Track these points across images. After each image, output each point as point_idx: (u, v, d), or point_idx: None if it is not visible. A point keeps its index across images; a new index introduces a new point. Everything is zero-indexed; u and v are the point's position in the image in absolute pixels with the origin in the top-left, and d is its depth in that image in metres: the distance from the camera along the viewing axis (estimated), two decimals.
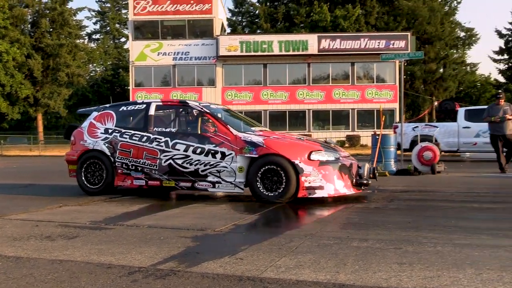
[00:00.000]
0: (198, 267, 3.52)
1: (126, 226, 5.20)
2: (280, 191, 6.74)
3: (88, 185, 7.93)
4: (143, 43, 35.37)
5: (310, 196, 6.75)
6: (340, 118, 34.56)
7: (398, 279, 3.18)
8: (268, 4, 47.49)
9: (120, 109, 8.25)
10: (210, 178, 7.19)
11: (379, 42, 33.15)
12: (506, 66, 48.80)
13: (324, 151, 6.95)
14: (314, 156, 6.80)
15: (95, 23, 64.53)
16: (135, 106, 8.17)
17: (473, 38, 47.82)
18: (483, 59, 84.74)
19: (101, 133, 8.03)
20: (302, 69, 34.66)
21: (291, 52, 33.59)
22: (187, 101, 8.09)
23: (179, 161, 7.32)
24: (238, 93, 34.46)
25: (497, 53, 49.29)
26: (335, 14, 42.16)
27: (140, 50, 35.26)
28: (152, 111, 7.83)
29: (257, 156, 6.90)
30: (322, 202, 6.92)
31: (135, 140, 7.68)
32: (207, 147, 7.17)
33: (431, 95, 43.28)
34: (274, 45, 33.59)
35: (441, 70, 44.68)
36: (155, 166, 7.48)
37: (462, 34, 48.12)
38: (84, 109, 9.25)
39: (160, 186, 7.52)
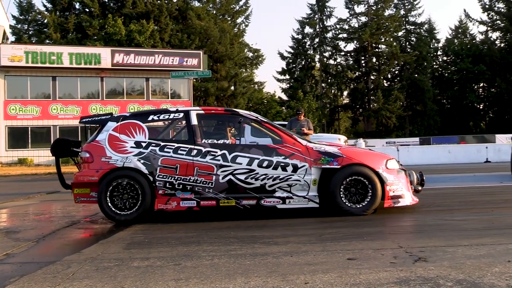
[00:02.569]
0: None
1: None
2: (366, 202, 6.49)
3: (117, 211, 6.49)
4: None
5: (395, 205, 6.61)
6: None
7: None
8: (58, 13, 44.95)
9: (149, 119, 6.98)
10: (278, 194, 6.55)
11: (173, 59, 33.82)
12: (288, 85, 53.95)
13: (394, 159, 6.90)
14: (390, 164, 6.68)
15: None
16: (169, 115, 7.02)
17: (260, 59, 51.91)
18: (268, 78, 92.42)
19: (132, 147, 6.63)
20: (95, 83, 33.49)
21: (83, 65, 32.22)
22: (235, 110, 7.31)
23: (242, 177, 6.49)
24: (24, 107, 31.76)
25: (280, 73, 54.32)
26: (130, 29, 41.80)
27: None
28: (194, 121, 6.80)
29: (339, 167, 6.49)
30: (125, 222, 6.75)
31: (182, 154, 6.55)
32: (275, 159, 6.51)
33: None
34: (64, 57, 31.84)
35: (232, 87, 47.43)
36: (210, 184, 6.51)
37: (250, 54, 51.85)
38: (90, 118, 7.37)
39: (216, 206, 6.57)
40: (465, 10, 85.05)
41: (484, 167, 17.66)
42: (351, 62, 54.41)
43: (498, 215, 6.29)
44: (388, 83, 54.62)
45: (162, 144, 6.64)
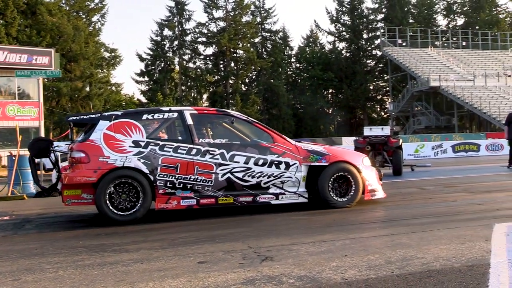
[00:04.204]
0: None
1: None
2: (350, 195, 7.12)
3: (119, 212, 6.38)
4: None
5: (373, 198, 7.34)
6: None
7: None
8: None
9: (144, 118, 6.95)
10: (272, 190, 6.95)
11: (20, 56, 31.27)
12: (147, 87, 53.01)
13: (367, 156, 7.72)
14: (365, 161, 7.41)
15: None
16: (163, 115, 7.02)
17: (117, 59, 50.16)
18: (126, 80, 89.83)
19: (130, 146, 6.55)
20: None
21: None
22: (227, 110, 7.71)
23: (239, 175, 6.78)
24: None
25: (138, 75, 53.13)
26: None
27: None
28: (190, 121, 6.92)
29: (327, 164, 7.03)
30: None
31: (182, 153, 6.65)
32: (269, 157, 6.91)
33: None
34: None
35: (87, 88, 45.32)
36: (209, 182, 6.69)
37: (107, 54, 49.97)
38: (77, 117, 7.45)
39: (215, 204, 6.73)
40: (315, 21, 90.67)
41: None
42: (210, 66, 54.99)
43: (339, 212, 6.81)
44: (246, 87, 56.17)
45: (162, 143, 6.69)
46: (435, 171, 14.65)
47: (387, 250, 4.35)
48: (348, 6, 57.55)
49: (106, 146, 6.54)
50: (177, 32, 54.05)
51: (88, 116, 7.28)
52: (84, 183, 6.43)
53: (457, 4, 60.31)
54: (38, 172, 12.56)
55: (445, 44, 55.05)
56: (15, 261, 4.49)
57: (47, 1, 44.16)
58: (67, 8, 46.18)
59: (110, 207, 6.39)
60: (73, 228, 6.36)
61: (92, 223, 6.73)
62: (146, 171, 6.51)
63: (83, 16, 47.85)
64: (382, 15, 58.25)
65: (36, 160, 9.18)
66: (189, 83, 55.88)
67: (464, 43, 53.88)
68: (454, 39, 54.98)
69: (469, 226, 5.39)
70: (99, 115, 6.99)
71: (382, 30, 52.18)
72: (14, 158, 11.32)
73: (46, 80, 37.54)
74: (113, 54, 49.97)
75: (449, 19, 61.03)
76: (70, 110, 43.53)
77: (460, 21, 60.81)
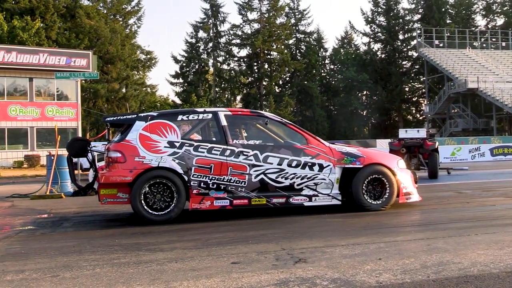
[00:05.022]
0: None
1: None
2: (385, 198, 7.05)
3: (154, 212, 6.47)
4: None
5: (408, 201, 7.26)
6: (17, 137, 32.05)
7: None
8: None
9: (179, 119, 7.04)
10: (305, 192, 6.93)
11: (59, 59, 32.07)
12: (182, 89, 53.57)
13: (402, 159, 7.64)
14: (400, 164, 7.32)
15: None
16: (198, 116, 7.13)
17: (153, 61, 50.96)
18: (161, 82, 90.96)
19: (165, 147, 6.65)
20: None
21: None
22: (261, 111, 7.82)
23: (273, 176, 6.80)
24: None
25: (173, 76, 53.76)
26: (13, 25, 39.14)
27: None
28: (224, 122, 6.97)
29: (361, 166, 6.98)
30: None
31: (216, 154, 6.70)
32: (303, 159, 6.89)
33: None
34: None
35: (124, 90, 46.14)
36: (243, 183, 6.72)
37: (143, 56, 50.77)
38: (114, 118, 7.64)
39: (248, 205, 6.76)
40: (350, 22, 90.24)
41: None
42: (244, 67, 55.20)
43: (374, 215, 6.73)
44: (280, 89, 56.13)
45: (196, 144, 6.74)
46: (472, 175, 14.32)
47: (422, 254, 4.28)
48: (384, 7, 56.82)
49: (142, 146, 6.63)
50: (211, 34, 54.45)
51: (124, 117, 7.36)
52: (120, 183, 6.52)
53: (496, 4, 58.79)
54: (75, 172, 12.84)
55: (484, 45, 53.71)
56: (54, 258, 4.61)
57: (85, 4, 45.19)
58: (105, 11, 47.14)
59: (145, 207, 6.47)
60: (109, 227, 6.48)
61: (127, 222, 6.85)
62: (181, 171, 6.57)
63: (120, 19, 48.77)
64: (419, 16, 57.29)
65: (74, 160, 9.44)
66: (223, 85, 56.19)
67: (504, 43, 52.44)
68: (494, 39, 53.58)
69: (508, 231, 5.25)
70: (135, 116, 7.09)
71: (418, 31, 51.29)
72: (52, 157, 11.60)
73: (83, 81, 38.39)
74: (148, 56, 50.79)
75: (488, 19, 59.51)
76: (107, 111, 44.39)
77: (500, 21, 59.21)
